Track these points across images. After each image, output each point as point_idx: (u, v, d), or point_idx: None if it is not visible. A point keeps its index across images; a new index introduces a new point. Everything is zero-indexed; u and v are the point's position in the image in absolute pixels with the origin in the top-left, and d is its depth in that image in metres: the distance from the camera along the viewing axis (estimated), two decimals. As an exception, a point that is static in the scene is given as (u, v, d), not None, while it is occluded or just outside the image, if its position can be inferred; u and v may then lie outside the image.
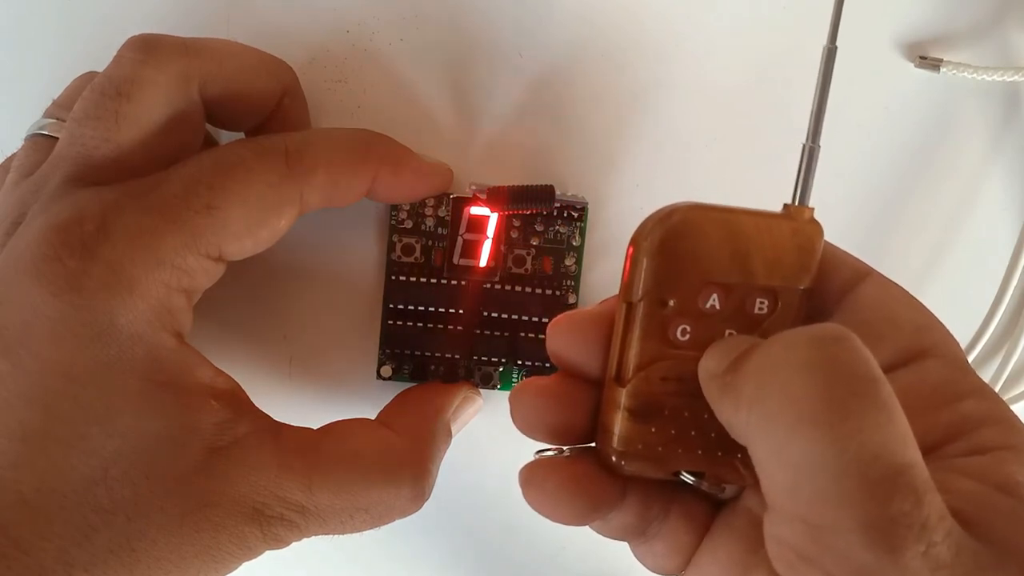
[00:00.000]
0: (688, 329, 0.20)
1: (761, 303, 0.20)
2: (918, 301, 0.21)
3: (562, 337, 0.22)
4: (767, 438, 0.17)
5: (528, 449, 0.22)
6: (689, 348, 0.20)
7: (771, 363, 0.17)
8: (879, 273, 0.21)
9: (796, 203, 0.21)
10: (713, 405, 0.19)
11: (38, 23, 0.28)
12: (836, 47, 0.21)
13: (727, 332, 0.20)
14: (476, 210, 0.28)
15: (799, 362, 0.16)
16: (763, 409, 0.17)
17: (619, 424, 0.20)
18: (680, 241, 0.20)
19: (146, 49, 0.23)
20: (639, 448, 0.20)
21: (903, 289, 0.21)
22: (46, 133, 0.25)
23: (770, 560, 0.17)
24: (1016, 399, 0.33)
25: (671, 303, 0.20)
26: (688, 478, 0.21)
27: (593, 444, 0.22)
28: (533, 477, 0.21)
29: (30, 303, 0.20)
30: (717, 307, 0.20)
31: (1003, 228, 0.32)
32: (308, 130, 0.27)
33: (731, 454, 0.20)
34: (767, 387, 0.17)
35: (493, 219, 0.28)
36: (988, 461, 0.18)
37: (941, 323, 0.20)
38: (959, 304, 0.32)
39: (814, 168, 0.21)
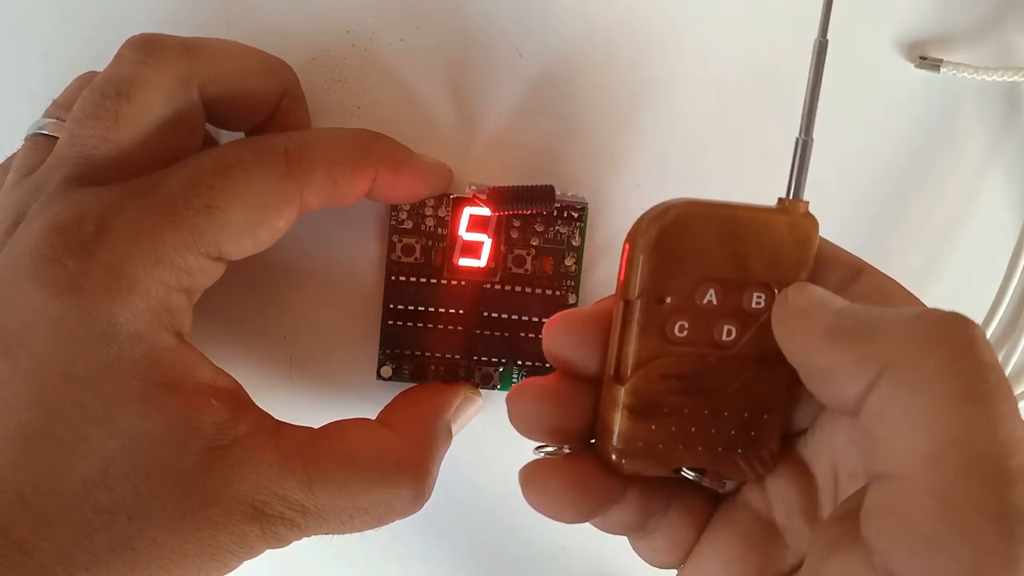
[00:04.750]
0: (686, 326, 0.20)
1: (758, 298, 0.20)
2: (913, 296, 0.21)
3: (559, 336, 0.22)
4: (909, 404, 0.16)
5: (529, 450, 0.22)
6: (687, 345, 0.20)
7: (919, 333, 0.17)
8: (873, 268, 0.21)
9: (791, 197, 0.21)
10: (808, 343, 0.19)
11: (38, 23, 0.28)
12: (827, 40, 0.21)
13: (725, 327, 0.20)
14: (476, 210, 0.28)
15: (954, 341, 0.16)
16: (908, 375, 0.16)
17: (619, 423, 0.20)
18: (676, 237, 0.20)
19: (146, 49, 0.23)
20: (639, 446, 0.20)
21: (898, 284, 0.21)
22: (46, 133, 0.25)
23: (865, 536, 0.17)
24: (1016, 399, 0.33)
25: (668, 300, 0.20)
26: (689, 474, 0.21)
27: (592, 441, 0.22)
28: (534, 477, 0.21)
29: (30, 304, 0.20)
30: (714, 302, 0.20)
31: (1003, 228, 0.32)
32: (308, 130, 0.27)
33: (732, 450, 0.21)
34: (916, 354, 0.17)
35: (493, 219, 0.28)
36: None
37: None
38: (959, 304, 0.32)
39: (808, 162, 0.21)
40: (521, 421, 0.22)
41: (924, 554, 0.15)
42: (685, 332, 0.20)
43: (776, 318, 0.20)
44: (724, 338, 0.20)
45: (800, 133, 0.21)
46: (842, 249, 0.22)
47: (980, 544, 0.15)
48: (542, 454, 0.22)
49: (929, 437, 0.16)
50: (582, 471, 0.21)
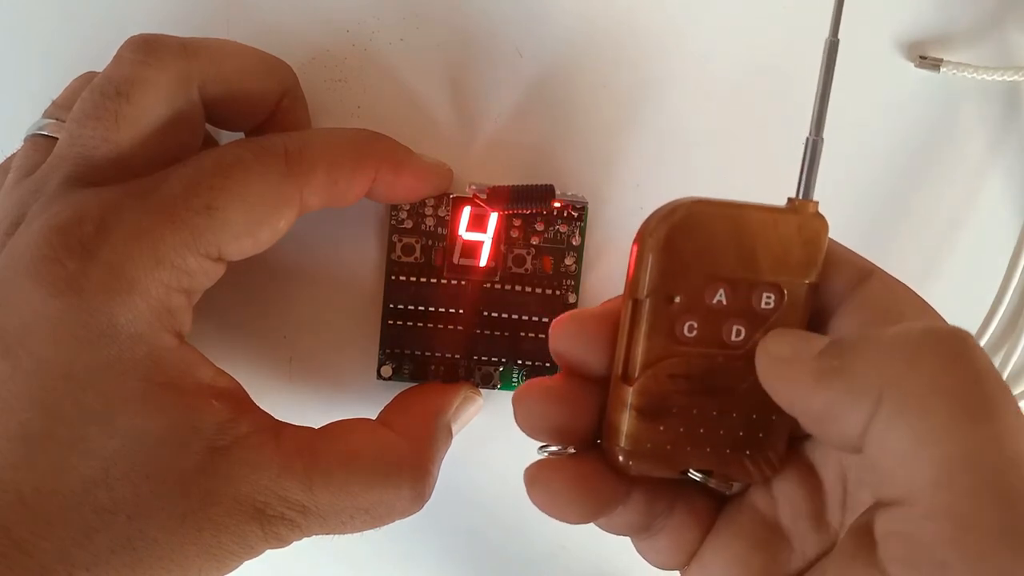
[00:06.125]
0: (695, 325, 0.20)
1: (768, 298, 0.20)
2: (923, 300, 0.21)
3: (566, 336, 0.21)
4: (910, 428, 0.16)
5: (529, 449, 0.22)
6: (696, 344, 0.20)
7: (908, 353, 0.16)
8: (882, 271, 0.21)
9: (800, 197, 0.21)
10: (797, 390, 0.18)
11: (38, 23, 0.28)
12: (838, 40, 0.21)
13: (734, 328, 0.20)
14: (476, 210, 0.28)
15: (946, 355, 0.16)
16: (904, 399, 0.16)
17: (627, 423, 0.20)
18: (686, 236, 0.20)
19: (146, 49, 0.23)
20: (647, 447, 0.20)
21: (907, 288, 0.21)
22: (46, 133, 0.25)
23: (880, 561, 0.16)
24: (1016, 399, 0.33)
25: (677, 299, 0.20)
26: (696, 476, 0.21)
27: (598, 441, 0.22)
28: (539, 477, 0.21)
29: (30, 304, 0.20)
30: (724, 302, 0.20)
31: (1003, 228, 0.32)
32: (308, 130, 0.27)
33: (740, 451, 0.20)
34: (908, 376, 0.16)
35: (493, 219, 0.28)
36: None
37: (946, 322, 0.20)
38: (959, 304, 0.32)
39: (818, 161, 0.21)
40: (527, 421, 0.22)
41: None
42: (694, 332, 0.20)
43: (761, 371, 0.19)
44: (733, 338, 0.20)
45: (810, 133, 0.21)
46: (851, 251, 0.21)
47: (994, 567, 0.15)
48: (546, 453, 0.22)
49: (935, 460, 0.15)
50: (587, 472, 0.21)
